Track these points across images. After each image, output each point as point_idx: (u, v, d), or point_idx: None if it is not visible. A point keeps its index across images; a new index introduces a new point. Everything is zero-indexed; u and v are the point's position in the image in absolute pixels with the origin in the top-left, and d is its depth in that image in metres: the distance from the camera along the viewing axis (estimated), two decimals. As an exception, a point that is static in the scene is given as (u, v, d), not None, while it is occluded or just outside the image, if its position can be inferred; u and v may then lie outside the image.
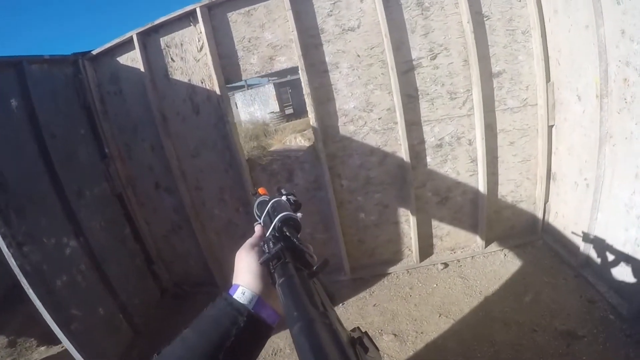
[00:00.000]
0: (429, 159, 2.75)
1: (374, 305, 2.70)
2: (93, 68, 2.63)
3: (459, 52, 2.46)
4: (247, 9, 2.43)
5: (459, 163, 2.74)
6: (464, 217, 2.89)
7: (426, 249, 3.02)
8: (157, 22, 2.45)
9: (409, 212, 2.85)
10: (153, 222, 3.10)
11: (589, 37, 1.92)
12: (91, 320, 2.26)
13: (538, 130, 2.56)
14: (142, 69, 2.52)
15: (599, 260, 2.14)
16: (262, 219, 0.65)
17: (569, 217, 2.44)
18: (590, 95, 2.03)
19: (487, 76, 2.50)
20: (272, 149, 9.23)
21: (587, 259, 2.25)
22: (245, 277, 0.51)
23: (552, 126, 2.51)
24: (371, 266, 3.08)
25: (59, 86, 2.33)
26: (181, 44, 2.55)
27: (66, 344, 2.02)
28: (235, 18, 2.46)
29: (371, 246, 3.05)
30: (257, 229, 0.62)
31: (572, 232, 2.42)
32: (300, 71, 2.46)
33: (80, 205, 2.39)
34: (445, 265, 2.91)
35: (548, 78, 2.40)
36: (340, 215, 2.94)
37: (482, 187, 2.71)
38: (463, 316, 2.34)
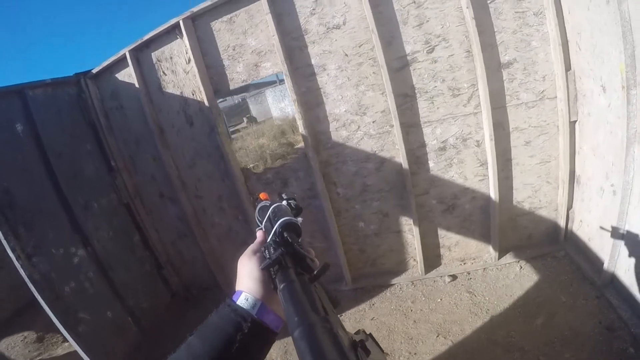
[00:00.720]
0: (431, 164, 2.53)
1: (371, 319, 2.60)
2: (96, 86, 2.81)
3: (460, 43, 2.21)
4: (229, 16, 2.40)
5: (466, 167, 2.49)
6: (474, 226, 2.64)
7: (433, 259, 2.82)
8: (145, 37, 2.53)
9: (411, 221, 2.67)
10: (161, 230, 3.29)
11: (610, 14, 1.59)
12: (99, 323, 2.46)
13: (559, 127, 2.22)
14: (137, 85, 2.63)
15: (625, 280, 1.82)
16: (263, 224, 0.65)
17: (594, 227, 2.10)
18: (616, 85, 1.69)
19: (494, 67, 2.21)
20: (297, 146, 9.27)
21: (612, 277, 1.93)
22: (247, 283, 0.52)
23: (574, 122, 2.16)
24: (373, 276, 2.97)
25: (63, 107, 2.52)
26: (171, 57, 2.61)
27: (74, 344, 2.23)
28: (219, 26, 2.45)
29: (372, 256, 2.93)
30: (259, 234, 0.63)
31: (597, 245, 2.08)
32: (285, 77, 2.39)
33: (88, 217, 2.59)
34: (454, 277, 2.70)
35: (568, 66, 2.06)
36: (338, 224, 2.85)
37: (493, 193, 2.44)
38: (463, 338, 2.15)
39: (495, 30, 2.12)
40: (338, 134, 2.58)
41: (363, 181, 2.70)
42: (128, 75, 2.72)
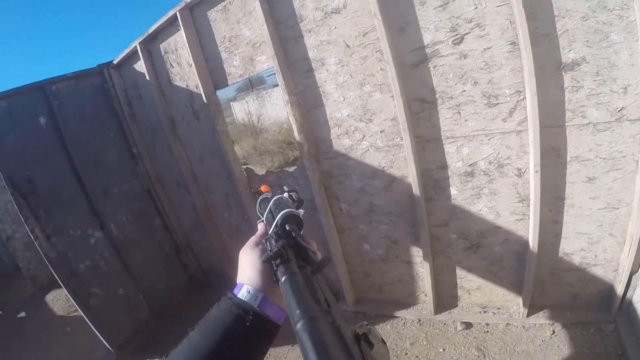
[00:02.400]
0: (453, 191, 2.02)
1: (357, 354, 2.33)
2: (119, 75, 2.96)
3: (501, 30, 1.60)
4: (223, 4, 2.19)
5: (500, 200, 1.91)
6: (503, 273, 2.07)
7: (447, 299, 2.36)
8: (151, 29, 2.50)
9: (423, 255, 2.23)
10: (181, 216, 3.48)
11: None
12: (110, 298, 2.77)
13: (639, 162, 1.47)
14: (148, 77, 2.67)
15: None
16: (264, 216, 0.65)
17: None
18: None
19: (552, 69, 1.56)
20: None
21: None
22: (249, 275, 0.52)
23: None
24: (378, 302, 2.66)
25: (86, 98, 2.73)
26: (175, 49, 2.55)
27: (84, 314, 2.55)
28: (215, 16, 2.26)
29: (379, 281, 2.60)
30: (260, 226, 0.64)
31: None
32: (276, 73, 2.11)
33: (107, 202, 2.86)
34: (468, 325, 2.23)
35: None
36: (342, 242, 2.59)
37: (533, 238, 1.85)
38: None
39: (555, 13, 1.45)
40: (340, 142, 2.23)
41: (369, 200, 2.33)
42: (141, 66, 2.78)
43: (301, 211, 0.59)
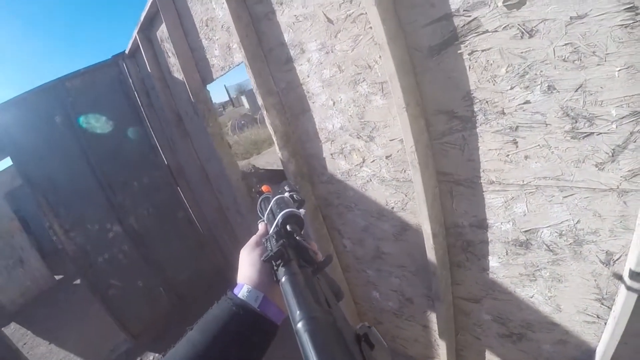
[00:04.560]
0: (494, 262, 1.24)
1: None
2: (136, 64, 2.82)
3: None
4: (193, -26, 1.68)
5: (566, 292, 1.10)
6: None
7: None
8: (142, 16, 2.19)
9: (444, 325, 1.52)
10: (204, 209, 3.36)
11: None
12: (129, 290, 2.88)
13: None
14: (149, 69, 2.44)
15: None
16: (265, 216, 0.65)
17: None
18: None
19: None
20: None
21: None
22: (249, 275, 0.52)
23: None
24: (392, 350, 2.07)
25: (102, 91, 2.69)
26: (168, 37, 2.19)
27: (102, 304, 2.71)
28: (189, -8, 1.78)
29: (392, 332, 2.04)
30: (261, 226, 0.63)
31: None
32: (245, 67, 1.56)
33: (126, 195, 2.89)
34: None
35: None
36: (348, 281, 2.06)
37: (605, 351, 0.96)
38: None
39: None
40: (335, 163, 1.60)
41: (376, 244, 1.68)
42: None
43: (302, 211, 0.58)
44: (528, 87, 0.91)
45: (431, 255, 1.32)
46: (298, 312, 0.35)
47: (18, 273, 5.35)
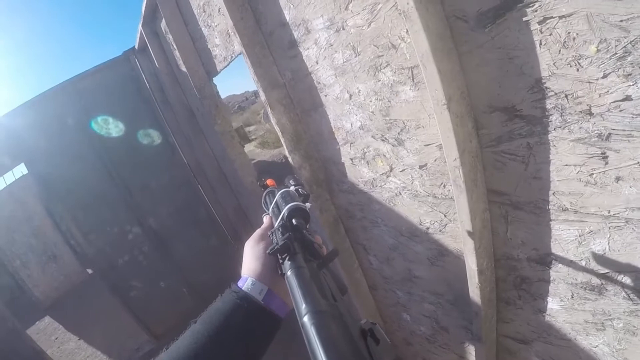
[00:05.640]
0: (554, 304, 0.98)
1: None
2: (147, 59, 2.67)
3: None
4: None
5: None
6: None
7: None
8: (143, 8, 2.00)
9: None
10: (226, 207, 3.23)
11: None
12: (151, 291, 2.86)
13: None
14: (157, 64, 2.28)
15: None
16: (270, 209, 0.65)
17: None
18: None
19: None
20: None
21: None
22: (253, 268, 0.52)
23: None
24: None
25: (114, 90, 2.60)
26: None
27: (123, 306, 2.71)
28: (182, -30, 1.54)
29: (422, 355, 1.77)
30: (266, 219, 0.63)
31: None
32: (243, 55, 1.30)
33: (145, 196, 2.83)
34: None
35: None
36: (376, 299, 1.82)
37: None
38: None
39: None
40: (356, 170, 1.32)
41: (407, 266, 1.40)
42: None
43: (308, 205, 0.57)
44: (630, 75, 0.56)
45: (475, 294, 1.01)
46: (304, 305, 0.35)
47: (52, 268, 5.70)
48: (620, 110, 0.60)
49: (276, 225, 0.54)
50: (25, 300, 5.56)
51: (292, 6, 1.09)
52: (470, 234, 0.89)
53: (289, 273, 0.43)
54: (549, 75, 0.67)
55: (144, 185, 2.88)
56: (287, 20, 1.14)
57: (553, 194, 0.78)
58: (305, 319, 0.33)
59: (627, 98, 0.58)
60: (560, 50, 0.63)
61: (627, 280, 0.75)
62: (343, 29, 0.99)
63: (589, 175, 0.70)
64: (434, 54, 0.73)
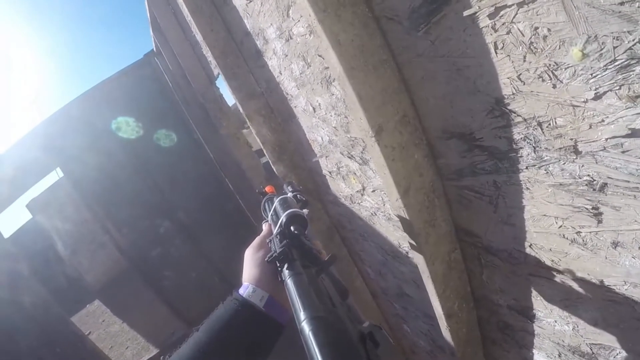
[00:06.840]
0: (540, 357, 0.77)
1: None
2: (165, 60, 2.78)
3: None
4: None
5: None
6: None
7: None
8: (147, 15, 2.06)
9: None
10: (250, 197, 3.33)
11: None
12: (182, 281, 3.13)
13: None
14: (170, 67, 2.36)
15: None
16: (269, 217, 0.67)
17: None
18: None
19: None
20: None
21: None
22: (254, 275, 0.53)
23: None
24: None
25: (136, 93, 2.79)
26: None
27: (155, 295, 3.02)
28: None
29: None
30: (265, 227, 0.65)
31: None
32: (217, 68, 1.28)
33: (174, 191, 3.05)
34: None
35: None
36: (378, 306, 1.74)
37: None
38: None
39: None
40: (335, 184, 1.26)
41: (398, 283, 1.33)
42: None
43: (305, 211, 0.57)
44: (636, 95, 0.38)
45: (447, 335, 0.89)
46: (302, 312, 0.35)
47: (100, 255, 6.40)
48: (623, 152, 0.41)
49: (275, 232, 0.55)
50: (78, 284, 6.36)
51: (248, 15, 1.02)
52: (429, 279, 0.78)
53: (287, 280, 0.43)
54: (513, 94, 0.50)
55: (172, 181, 3.09)
56: (249, 29, 1.08)
57: (530, 246, 0.63)
58: (303, 324, 0.34)
59: (634, 133, 0.39)
60: (525, 56, 0.45)
61: (620, 356, 0.59)
62: (291, 38, 0.90)
63: (576, 233, 0.53)
64: (350, 75, 0.60)
